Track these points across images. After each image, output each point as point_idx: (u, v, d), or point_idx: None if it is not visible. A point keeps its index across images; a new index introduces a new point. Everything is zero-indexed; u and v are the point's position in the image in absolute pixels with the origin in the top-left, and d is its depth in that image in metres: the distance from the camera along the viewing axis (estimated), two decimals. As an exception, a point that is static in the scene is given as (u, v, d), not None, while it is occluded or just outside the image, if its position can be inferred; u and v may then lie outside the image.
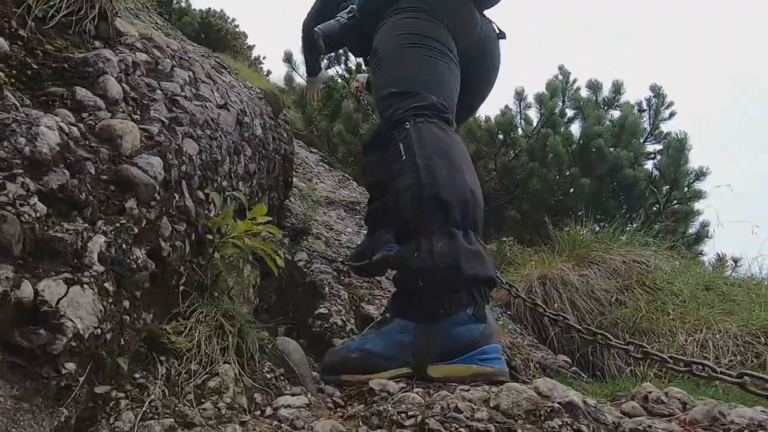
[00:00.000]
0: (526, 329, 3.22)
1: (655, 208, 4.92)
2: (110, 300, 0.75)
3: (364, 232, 3.28)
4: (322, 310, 1.86)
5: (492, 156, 5.29)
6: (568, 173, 5.03)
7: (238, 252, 1.18)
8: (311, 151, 4.89)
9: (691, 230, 4.84)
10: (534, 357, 2.53)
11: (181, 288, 1.00)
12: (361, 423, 0.84)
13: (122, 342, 0.78)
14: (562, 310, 3.11)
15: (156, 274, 0.91)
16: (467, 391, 0.92)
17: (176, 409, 0.79)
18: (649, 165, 5.23)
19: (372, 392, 0.97)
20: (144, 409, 0.76)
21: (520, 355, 2.50)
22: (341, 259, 2.44)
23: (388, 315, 1.40)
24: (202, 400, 0.82)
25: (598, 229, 3.99)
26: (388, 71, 1.41)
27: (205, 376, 0.87)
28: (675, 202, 4.86)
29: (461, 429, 0.78)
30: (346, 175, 4.69)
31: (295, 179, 3.83)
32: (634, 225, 4.10)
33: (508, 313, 3.37)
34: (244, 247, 1.15)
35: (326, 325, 1.80)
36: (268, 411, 0.88)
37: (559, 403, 0.84)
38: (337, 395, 1.06)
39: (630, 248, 3.68)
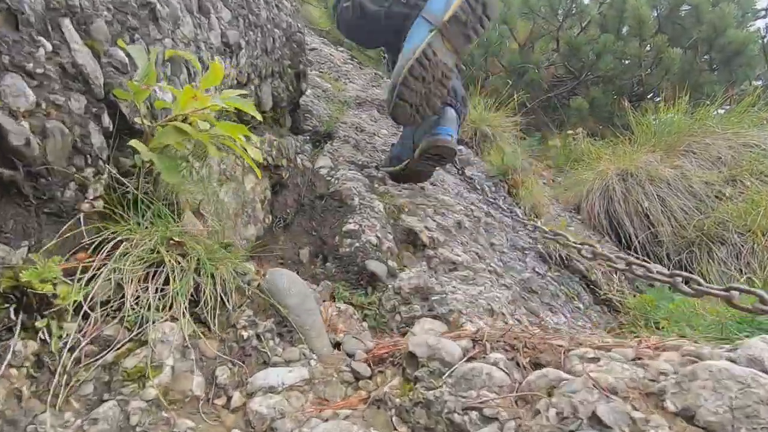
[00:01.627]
0: (602, 236, 2.72)
1: None
2: None
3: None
4: (351, 226, 1.46)
5: (553, 34, 4.36)
6: (648, 48, 4.04)
7: (189, 142, 0.76)
8: (338, 50, 4.24)
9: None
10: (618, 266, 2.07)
11: (86, 205, 0.61)
12: (396, 425, 0.45)
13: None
14: (650, 210, 2.55)
15: (16, 182, 0.51)
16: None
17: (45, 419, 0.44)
18: (759, 25, 4.08)
19: (413, 358, 0.57)
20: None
21: (600, 266, 2.04)
22: (375, 164, 1.99)
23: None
24: (109, 394, 0.46)
25: (691, 110, 3.19)
26: None
27: (124, 348, 0.50)
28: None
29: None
30: (379, 73, 4.05)
31: (319, 79, 3.29)
32: (741, 102, 3.23)
33: (578, 218, 2.86)
34: (196, 135, 0.72)
35: (357, 244, 1.42)
36: (236, 400, 0.51)
37: None
38: (360, 353, 0.69)
39: (738, 129, 2.92)
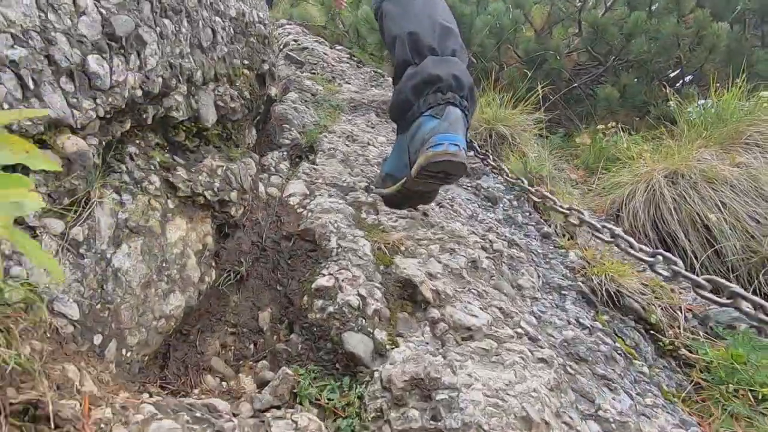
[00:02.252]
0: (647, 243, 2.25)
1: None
2: None
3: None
4: (324, 281, 1.07)
5: (574, 15, 3.87)
6: (688, 25, 3.52)
7: None
8: (332, 48, 3.85)
9: None
10: (683, 301, 1.62)
11: None
12: None
13: None
14: (711, 220, 2.08)
15: None
16: None
17: None
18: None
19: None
20: None
21: (659, 300, 1.59)
22: (366, 184, 1.59)
23: None
24: None
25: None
26: None
27: None
28: None
29: None
30: (379, 71, 3.64)
31: (309, 82, 2.91)
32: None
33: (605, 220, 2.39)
34: None
35: (331, 308, 1.02)
36: None
37: None
38: None
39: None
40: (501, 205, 1.91)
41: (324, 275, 1.09)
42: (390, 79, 3.63)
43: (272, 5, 1.79)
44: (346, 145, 1.96)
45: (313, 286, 1.06)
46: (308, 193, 1.40)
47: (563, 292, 1.41)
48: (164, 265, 0.91)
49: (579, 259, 1.66)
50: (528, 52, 3.71)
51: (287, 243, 1.22)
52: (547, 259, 1.61)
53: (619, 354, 1.22)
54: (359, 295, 1.04)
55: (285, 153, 1.76)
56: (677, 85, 3.59)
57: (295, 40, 3.67)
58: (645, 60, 3.53)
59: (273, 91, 1.57)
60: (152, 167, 0.96)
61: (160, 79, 0.93)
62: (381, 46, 4.32)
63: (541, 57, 3.72)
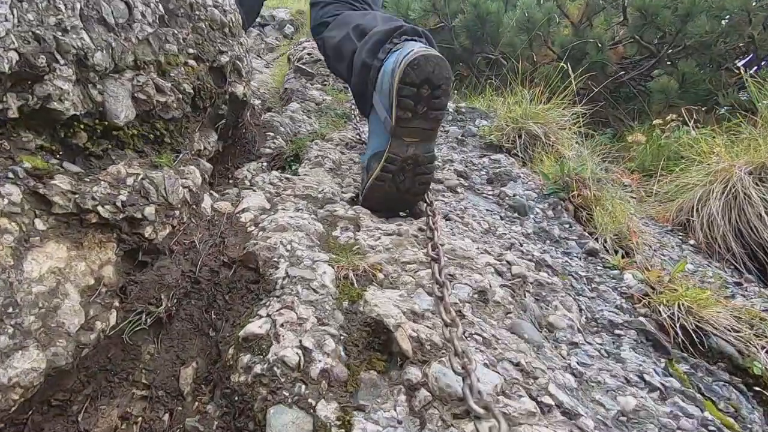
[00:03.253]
0: (735, 269, 1.74)
1: None
2: None
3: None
4: (256, 327, 0.76)
5: (617, 2, 3.43)
6: (760, 1, 2.98)
7: None
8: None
9: None
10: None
11: None
12: None
13: None
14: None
15: None
16: None
17: None
18: None
19: None
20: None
21: (761, 339, 1.13)
22: (351, 195, 1.28)
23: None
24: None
25: None
26: None
27: None
28: None
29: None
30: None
31: (316, 92, 2.69)
32: None
33: (690, 243, 1.90)
34: None
35: (259, 367, 0.71)
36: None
37: None
38: None
39: None
40: (532, 216, 1.52)
41: (257, 318, 0.78)
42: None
43: (249, 24, 1.94)
44: (341, 152, 1.67)
45: (241, 334, 0.75)
46: (268, 207, 1.11)
47: (618, 331, 1.00)
48: (10, 310, 0.64)
49: (639, 283, 1.24)
50: (565, 46, 3.30)
51: (227, 272, 0.93)
52: (593, 285, 1.21)
53: None
54: (301, 347, 0.72)
55: (264, 164, 1.50)
56: (751, 71, 3.03)
57: (309, 54, 3.50)
58: (707, 43, 3.02)
59: (239, 89, 1.31)
60: (10, 176, 0.70)
61: (14, 55, 0.68)
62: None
63: (580, 52, 3.30)
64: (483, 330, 0.81)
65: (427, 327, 0.78)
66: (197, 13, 1.13)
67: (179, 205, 0.95)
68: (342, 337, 0.76)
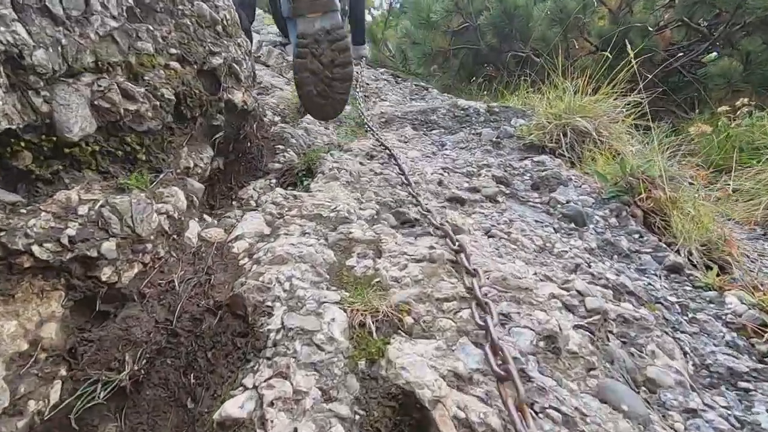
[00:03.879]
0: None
1: None
2: None
3: (446, 152, 1.81)
4: (235, 406, 0.54)
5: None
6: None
7: None
8: (369, 67, 3.47)
9: None
10: None
11: None
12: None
13: None
14: None
15: None
16: None
17: None
18: None
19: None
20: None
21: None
22: (372, 212, 1.06)
23: None
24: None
25: None
26: None
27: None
28: None
29: None
30: (421, 84, 3.17)
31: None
32: None
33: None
34: None
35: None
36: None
37: None
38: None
39: None
40: (591, 226, 1.25)
41: (243, 389, 0.56)
42: (433, 90, 3.13)
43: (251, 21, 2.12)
44: (360, 163, 1.47)
45: (216, 417, 0.54)
46: (267, 232, 0.91)
47: (743, 384, 0.72)
48: None
49: (749, 309, 0.94)
50: (603, 35, 3.00)
51: (212, 320, 0.72)
52: (690, 315, 0.92)
53: None
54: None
55: (273, 180, 1.31)
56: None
57: (327, 66, 3.36)
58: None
59: (237, 96, 1.13)
60: None
61: None
62: (425, 60, 3.88)
63: (621, 39, 2.99)
64: (560, 399, 0.56)
65: (479, 399, 0.54)
66: (180, 7, 0.96)
67: (152, 237, 0.75)
68: (357, 419, 0.53)
